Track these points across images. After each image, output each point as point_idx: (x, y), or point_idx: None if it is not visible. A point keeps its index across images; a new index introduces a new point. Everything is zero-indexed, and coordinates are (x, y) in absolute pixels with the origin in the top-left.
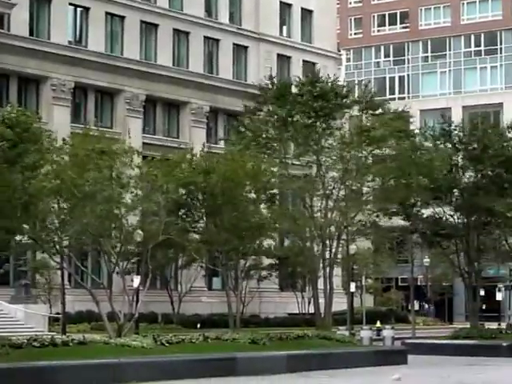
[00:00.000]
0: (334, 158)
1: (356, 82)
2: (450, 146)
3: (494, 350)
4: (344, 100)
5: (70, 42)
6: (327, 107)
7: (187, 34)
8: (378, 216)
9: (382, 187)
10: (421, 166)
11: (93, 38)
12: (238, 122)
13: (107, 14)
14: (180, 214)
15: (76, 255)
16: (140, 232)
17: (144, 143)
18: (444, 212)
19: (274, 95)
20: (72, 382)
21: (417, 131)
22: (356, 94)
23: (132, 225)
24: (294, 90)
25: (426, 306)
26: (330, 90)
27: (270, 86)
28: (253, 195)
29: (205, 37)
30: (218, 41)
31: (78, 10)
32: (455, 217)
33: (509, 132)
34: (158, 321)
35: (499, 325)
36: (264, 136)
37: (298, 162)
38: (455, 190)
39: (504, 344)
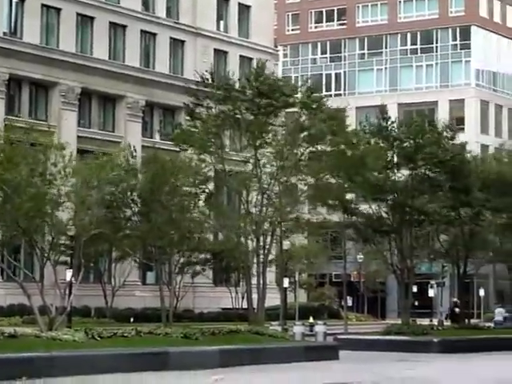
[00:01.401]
0: (271, 154)
1: (293, 78)
2: (385, 142)
3: (425, 345)
4: (288, 99)
5: (4, 34)
6: (271, 105)
7: (124, 27)
8: (311, 213)
9: (317, 184)
10: (354, 163)
11: (28, 29)
12: (175, 123)
13: (43, 5)
14: (113, 209)
15: (8, 249)
16: (71, 226)
17: (79, 136)
18: (379, 208)
19: (217, 92)
20: (1, 376)
21: (352, 128)
22: (299, 94)
23: (63, 220)
24: (233, 80)
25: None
26: (275, 89)
27: (212, 82)
28: (188, 189)
29: (141, 30)
30: (154, 35)
31: (14, 1)
32: (389, 214)
33: (446, 132)
34: (91, 315)
35: (431, 321)
36: (203, 133)
37: (236, 158)
38: (389, 190)
39: (435, 340)
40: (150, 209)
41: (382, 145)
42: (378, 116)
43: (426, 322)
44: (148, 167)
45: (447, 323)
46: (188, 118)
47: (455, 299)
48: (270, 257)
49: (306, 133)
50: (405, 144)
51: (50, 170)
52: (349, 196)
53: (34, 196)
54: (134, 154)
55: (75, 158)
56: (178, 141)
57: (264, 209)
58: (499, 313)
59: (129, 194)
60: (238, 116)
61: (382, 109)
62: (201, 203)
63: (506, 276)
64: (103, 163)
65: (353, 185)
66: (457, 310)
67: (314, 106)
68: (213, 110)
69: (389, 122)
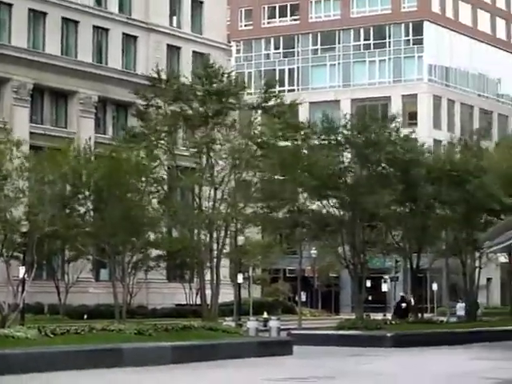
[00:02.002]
0: (224, 151)
1: (246, 73)
2: (335, 142)
3: (378, 340)
4: (239, 100)
5: None
6: (222, 104)
7: (76, 22)
8: (264, 208)
9: (269, 181)
10: (306, 163)
11: None
12: (127, 120)
13: None
14: (66, 206)
15: None
16: (24, 223)
17: (31, 133)
18: (330, 206)
19: (167, 89)
20: None
21: (304, 124)
22: (251, 90)
23: (16, 216)
24: (185, 81)
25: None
26: (226, 90)
27: (163, 81)
28: (140, 187)
29: (94, 26)
30: (107, 30)
31: None
32: (339, 211)
33: (396, 130)
34: (44, 312)
35: (385, 315)
36: (154, 131)
37: (187, 154)
38: (340, 188)
39: (388, 334)
40: (103, 206)
41: (332, 142)
42: (327, 116)
43: (379, 316)
44: (102, 164)
45: (389, 318)
46: (137, 119)
47: (402, 294)
48: (224, 252)
49: (258, 129)
50: (358, 142)
51: (6, 166)
52: (299, 195)
53: None
54: (89, 149)
55: (28, 155)
56: (129, 144)
57: (217, 204)
58: (461, 308)
59: (82, 190)
60: (189, 113)
61: (337, 105)
62: (154, 200)
63: (459, 270)
64: (56, 158)
65: (304, 180)
66: (403, 305)
67: (269, 105)
68: (162, 108)
69: (342, 121)
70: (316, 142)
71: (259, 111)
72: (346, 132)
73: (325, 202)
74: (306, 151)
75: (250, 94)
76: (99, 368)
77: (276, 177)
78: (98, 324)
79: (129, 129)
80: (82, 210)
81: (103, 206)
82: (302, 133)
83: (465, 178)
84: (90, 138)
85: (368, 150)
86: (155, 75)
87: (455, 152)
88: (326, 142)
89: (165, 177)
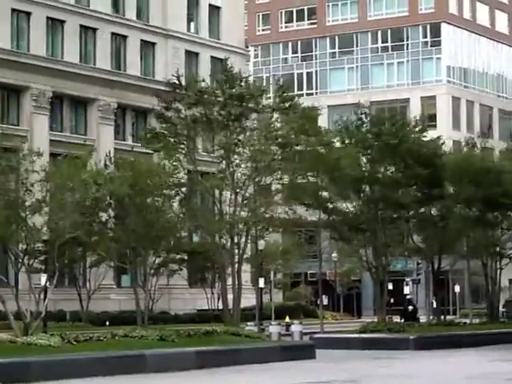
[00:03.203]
0: (244, 155)
1: (264, 77)
2: (359, 140)
3: (401, 343)
4: (258, 104)
5: None
6: (242, 108)
7: (94, 30)
8: (287, 213)
9: (291, 184)
10: (328, 163)
11: None
12: (147, 125)
13: (13, 10)
14: (88, 213)
15: None
16: (45, 231)
17: (51, 140)
18: (354, 206)
19: (188, 94)
20: None
21: (325, 128)
22: (269, 94)
23: (37, 225)
24: (204, 85)
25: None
26: (246, 94)
27: (184, 86)
28: (161, 191)
29: (112, 33)
30: (125, 37)
31: None
32: (365, 211)
33: (420, 131)
34: (66, 319)
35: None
36: (174, 136)
37: (208, 159)
38: (364, 186)
39: (411, 337)
40: (125, 212)
41: (354, 144)
42: (356, 113)
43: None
44: (123, 171)
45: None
46: (158, 120)
47: (409, 297)
48: (245, 257)
49: (279, 133)
50: (383, 140)
51: (26, 175)
52: (324, 194)
53: (12, 204)
54: (110, 161)
55: (48, 163)
56: (148, 144)
57: (238, 209)
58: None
59: (103, 197)
60: (210, 117)
61: (358, 107)
62: (175, 205)
63: (480, 272)
64: (77, 165)
65: (328, 182)
66: (410, 307)
67: (285, 106)
68: (183, 112)
69: (365, 120)
70: (337, 144)
71: (276, 114)
72: (365, 132)
73: (349, 204)
74: (328, 153)
75: (269, 98)
76: (122, 375)
77: (299, 179)
78: (121, 330)
79: (149, 129)
80: (105, 216)
81: (124, 213)
82: (322, 135)
83: (483, 177)
84: (109, 145)
85: (392, 149)
86: (175, 81)
87: (471, 152)
88: (347, 143)
89: (184, 180)
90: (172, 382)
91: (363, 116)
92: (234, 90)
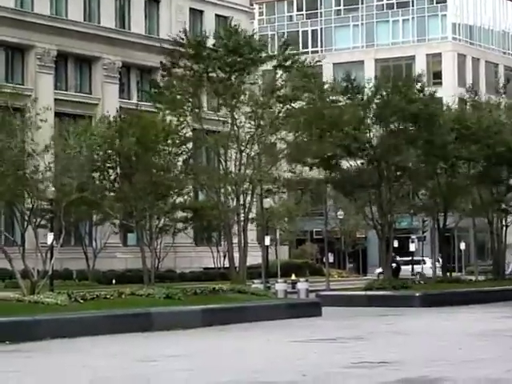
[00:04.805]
0: (248, 114)
1: (269, 35)
2: (358, 100)
3: (407, 300)
4: (258, 55)
5: None
6: (241, 62)
7: None
8: (292, 171)
9: (296, 141)
10: (330, 120)
11: None
12: (153, 81)
13: None
14: (95, 172)
15: None
16: (52, 189)
17: (56, 99)
18: (358, 164)
19: (189, 51)
20: None
21: (327, 85)
22: (270, 49)
23: (44, 182)
24: (210, 43)
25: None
26: (245, 44)
27: (185, 41)
28: (168, 149)
29: None
30: None
31: None
32: (368, 170)
33: (416, 84)
34: (72, 278)
35: (413, 275)
36: (180, 92)
37: (213, 117)
38: (366, 146)
39: (417, 294)
40: (132, 170)
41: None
42: (350, 76)
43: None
44: (130, 129)
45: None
46: (164, 77)
47: (393, 254)
48: (251, 215)
49: (281, 91)
50: (376, 101)
51: (31, 137)
52: (328, 153)
53: (18, 164)
54: (120, 117)
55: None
56: (155, 100)
57: (243, 168)
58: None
59: (111, 156)
60: (211, 74)
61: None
62: (180, 163)
63: (486, 229)
64: (83, 128)
65: (331, 140)
66: (393, 265)
67: (287, 63)
68: (189, 67)
69: (362, 82)
70: (340, 100)
71: (280, 70)
72: (369, 91)
73: (353, 162)
74: (328, 108)
75: (272, 56)
76: (129, 333)
77: (303, 137)
78: (127, 289)
79: (155, 83)
80: (112, 174)
81: (130, 170)
82: (326, 88)
83: (484, 134)
84: (114, 103)
85: (393, 106)
86: (181, 38)
87: (470, 109)
88: (350, 100)
89: (190, 137)
90: (178, 340)
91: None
92: (234, 44)
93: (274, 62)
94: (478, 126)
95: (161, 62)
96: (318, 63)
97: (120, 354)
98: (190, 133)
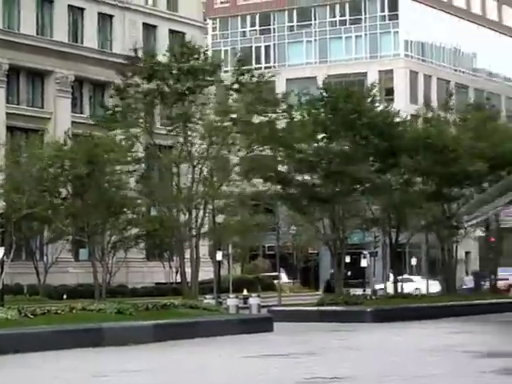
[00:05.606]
0: (200, 131)
1: (223, 51)
2: (313, 114)
3: (359, 315)
4: (212, 76)
5: None
6: (195, 83)
7: (51, 2)
8: (244, 187)
9: (248, 158)
10: (285, 137)
11: None
12: (104, 100)
13: None
14: (46, 188)
15: None
16: (2, 203)
17: (8, 113)
18: (312, 178)
19: (142, 68)
20: None
21: (283, 100)
22: (224, 64)
23: None
24: (162, 59)
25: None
26: (199, 67)
27: (139, 60)
28: (118, 167)
29: (69, 5)
30: (82, 9)
31: None
32: (323, 184)
33: (371, 97)
34: (23, 292)
35: (364, 291)
36: (132, 111)
37: (165, 132)
38: (319, 160)
39: (368, 309)
40: (83, 187)
41: (316, 112)
42: (313, 87)
43: (359, 291)
44: (80, 145)
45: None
46: (116, 95)
47: (332, 271)
48: (203, 230)
49: (233, 108)
50: (341, 111)
51: None
52: (283, 167)
53: None
54: (69, 137)
55: (5, 137)
56: (106, 124)
57: (195, 183)
58: (469, 280)
59: (62, 172)
60: (164, 91)
61: (314, 81)
62: (132, 180)
63: (437, 245)
64: (33, 142)
65: (285, 156)
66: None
67: (243, 80)
68: (141, 86)
69: (323, 93)
70: (296, 116)
71: (235, 86)
72: (322, 106)
73: (307, 176)
74: (283, 125)
75: (226, 71)
76: (80, 348)
77: (255, 152)
78: (79, 304)
79: (108, 107)
80: (63, 192)
81: (82, 187)
82: (280, 107)
83: (441, 150)
84: (66, 118)
85: (349, 118)
86: (132, 54)
87: (429, 124)
88: (304, 115)
89: (142, 155)
90: (129, 356)
91: (320, 92)
92: (189, 64)
93: (228, 82)
94: (439, 143)
95: (111, 82)
96: (272, 78)
97: (71, 369)
98: (142, 150)
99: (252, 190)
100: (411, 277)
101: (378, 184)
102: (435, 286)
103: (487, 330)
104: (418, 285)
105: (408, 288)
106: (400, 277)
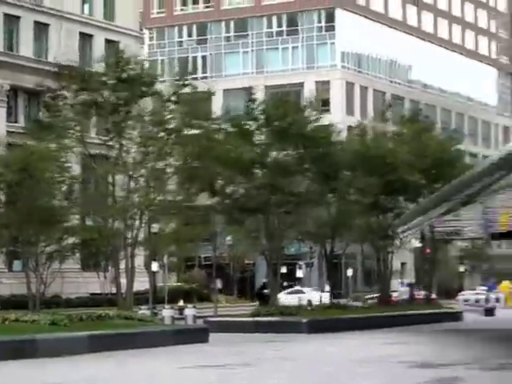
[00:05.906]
0: (135, 141)
1: (159, 60)
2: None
3: (294, 326)
4: (148, 89)
5: None
6: (132, 92)
7: None
8: (180, 196)
9: (183, 168)
10: (217, 149)
11: None
12: (40, 109)
13: None
14: None
15: None
16: None
17: None
18: (245, 190)
19: (76, 78)
20: None
21: (218, 109)
22: (161, 74)
23: None
24: (97, 69)
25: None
26: (137, 77)
27: (72, 67)
28: (50, 177)
29: (4, 14)
30: (18, 18)
31: None
32: (257, 194)
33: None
34: None
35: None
36: (65, 121)
37: (100, 142)
38: (257, 171)
39: (304, 320)
40: (15, 196)
41: (248, 127)
42: (246, 99)
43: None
44: (14, 154)
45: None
46: (45, 107)
47: (264, 280)
48: (138, 241)
49: (168, 118)
50: (275, 124)
51: None
52: (218, 179)
53: None
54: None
55: None
56: (37, 136)
57: (131, 193)
58: (405, 291)
59: None
60: (98, 102)
61: (250, 91)
62: (64, 189)
63: (373, 255)
64: None
65: (218, 167)
66: (265, 291)
67: (178, 93)
68: (69, 99)
69: (256, 104)
70: (230, 129)
71: (172, 98)
72: (256, 118)
73: (241, 187)
74: (218, 138)
75: (163, 81)
76: (13, 360)
77: (191, 163)
78: (12, 315)
79: (38, 120)
80: None
81: (14, 196)
82: (214, 121)
83: (378, 162)
84: (1, 127)
85: (284, 133)
86: (65, 63)
87: (364, 137)
88: (238, 129)
89: (74, 165)
90: (63, 367)
91: (252, 103)
92: (124, 74)
93: (165, 92)
94: (376, 156)
95: (48, 89)
96: (209, 90)
97: (6, 381)
98: (75, 159)
99: (187, 200)
100: (302, 288)
101: (312, 196)
102: (326, 298)
103: (421, 340)
104: (309, 296)
105: (298, 300)
106: (290, 289)
